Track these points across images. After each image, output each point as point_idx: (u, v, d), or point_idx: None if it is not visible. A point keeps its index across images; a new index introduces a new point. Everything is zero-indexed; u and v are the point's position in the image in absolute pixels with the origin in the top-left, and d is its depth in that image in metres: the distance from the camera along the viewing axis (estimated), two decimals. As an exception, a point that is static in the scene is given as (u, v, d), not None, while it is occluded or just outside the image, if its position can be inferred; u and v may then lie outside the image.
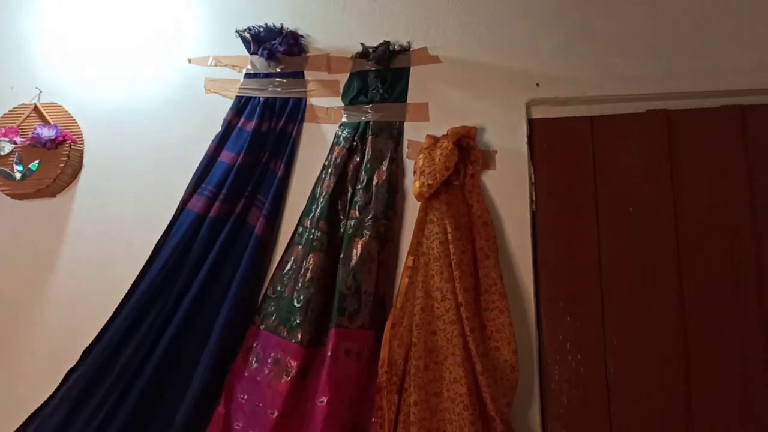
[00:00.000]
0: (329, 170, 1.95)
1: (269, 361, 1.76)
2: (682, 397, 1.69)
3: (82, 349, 1.83)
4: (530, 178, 1.89)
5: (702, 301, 1.74)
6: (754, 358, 1.69)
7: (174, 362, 1.80)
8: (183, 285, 1.85)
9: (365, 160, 1.93)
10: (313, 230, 1.86)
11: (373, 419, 1.72)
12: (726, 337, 1.71)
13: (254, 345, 1.81)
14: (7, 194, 2.13)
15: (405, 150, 1.97)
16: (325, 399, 1.66)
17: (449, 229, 1.76)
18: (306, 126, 2.06)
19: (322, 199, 1.91)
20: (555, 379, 1.77)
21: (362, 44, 2.06)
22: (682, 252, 1.78)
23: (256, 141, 2.01)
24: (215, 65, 2.18)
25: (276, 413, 1.69)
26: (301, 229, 1.91)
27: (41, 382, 1.83)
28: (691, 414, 1.68)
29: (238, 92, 2.11)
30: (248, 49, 2.15)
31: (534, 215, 1.88)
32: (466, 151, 1.88)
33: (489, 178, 1.90)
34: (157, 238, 1.94)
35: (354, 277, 1.78)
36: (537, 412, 1.74)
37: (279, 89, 2.09)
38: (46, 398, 1.80)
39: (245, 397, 1.75)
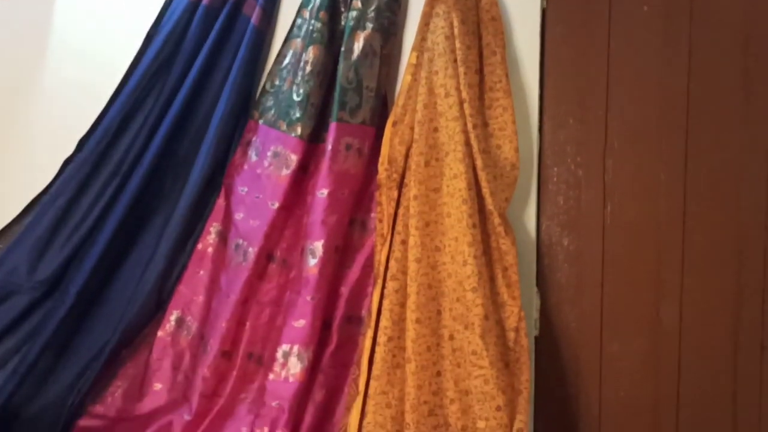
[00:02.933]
0: (329, -41, 1.82)
1: (269, 154, 1.74)
2: (679, 200, 1.71)
3: (78, 138, 1.80)
4: (543, -28, 1.78)
5: (710, 103, 1.71)
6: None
7: (172, 154, 1.78)
8: (178, 76, 1.79)
9: (368, -53, 1.80)
10: (312, 21, 1.77)
11: (372, 214, 1.75)
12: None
13: (253, 139, 1.79)
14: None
15: (412, -63, 1.84)
16: (326, 191, 1.68)
17: (455, 23, 1.67)
18: None
19: (321, -11, 1.80)
20: (553, 180, 1.79)
21: None
22: (694, 56, 1.73)
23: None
24: None
25: (277, 204, 1.71)
26: (299, 20, 1.81)
27: (39, 171, 1.81)
28: (685, 218, 1.71)
29: None
30: None
31: (544, 12, 1.79)
32: (478, -60, 1.75)
33: (499, -29, 1.78)
34: (149, 25, 1.84)
35: (355, 71, 1.72)
36: (533, 210, 1.76)
37: None
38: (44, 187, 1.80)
39: (246, 190, 1.76)
